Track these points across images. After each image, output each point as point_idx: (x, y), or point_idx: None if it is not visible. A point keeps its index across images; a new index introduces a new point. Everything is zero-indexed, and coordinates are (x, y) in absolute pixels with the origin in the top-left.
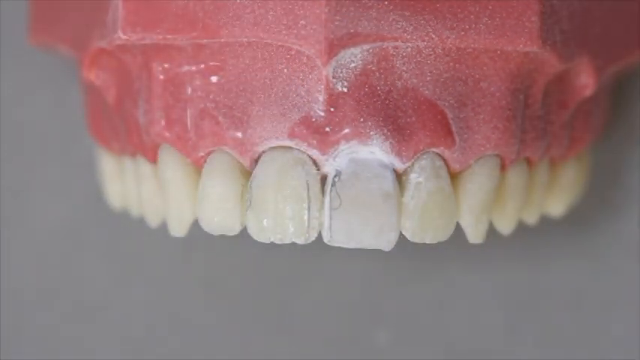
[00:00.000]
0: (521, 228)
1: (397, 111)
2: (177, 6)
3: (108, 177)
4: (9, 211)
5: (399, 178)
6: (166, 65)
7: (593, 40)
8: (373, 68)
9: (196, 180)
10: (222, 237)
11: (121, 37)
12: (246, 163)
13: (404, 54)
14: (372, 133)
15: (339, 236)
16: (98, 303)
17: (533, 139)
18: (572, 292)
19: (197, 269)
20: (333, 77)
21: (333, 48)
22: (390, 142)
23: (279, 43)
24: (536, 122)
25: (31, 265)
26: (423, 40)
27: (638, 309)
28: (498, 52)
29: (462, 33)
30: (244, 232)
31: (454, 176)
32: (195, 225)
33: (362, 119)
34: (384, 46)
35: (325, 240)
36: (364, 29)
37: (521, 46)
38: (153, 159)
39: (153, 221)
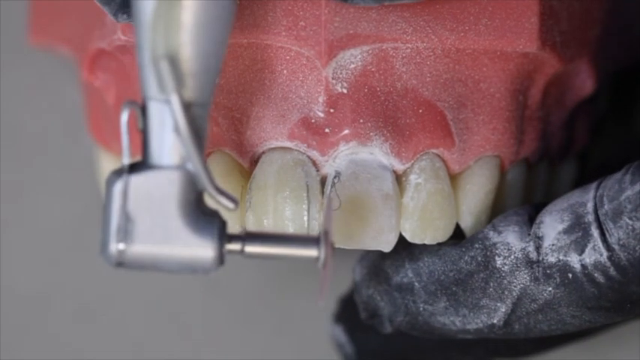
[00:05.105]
0: None
1: (397, 112)
2: None
3: None
4: (9, 211)
5: (399, 179)
6: None
7: (592, 40)
8: (373, 69)
9: None
10: None
11: (121, 37)
12: (246, 164)
13: (403, 55)
14: (371, 134)
15: (339, 237)
16: (98, 303)
17: (532, 139)
18: None
19: None
20: (333, 78)
21: (332, 49)
22: (390, 143)
23: (279, 45)
24: (536, 123)
25: (31, 265)
26: (423, 41)
27: None
28: (498, 52)
29: (462, 34)
30: None
31: (454, 177)
32: None
33: (361, 120)
34: (383, 47)
35: None
36: (364, 30)
37: (520, 46)
38: None
39: None
